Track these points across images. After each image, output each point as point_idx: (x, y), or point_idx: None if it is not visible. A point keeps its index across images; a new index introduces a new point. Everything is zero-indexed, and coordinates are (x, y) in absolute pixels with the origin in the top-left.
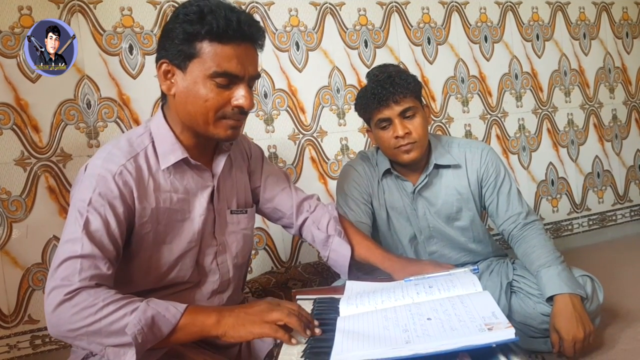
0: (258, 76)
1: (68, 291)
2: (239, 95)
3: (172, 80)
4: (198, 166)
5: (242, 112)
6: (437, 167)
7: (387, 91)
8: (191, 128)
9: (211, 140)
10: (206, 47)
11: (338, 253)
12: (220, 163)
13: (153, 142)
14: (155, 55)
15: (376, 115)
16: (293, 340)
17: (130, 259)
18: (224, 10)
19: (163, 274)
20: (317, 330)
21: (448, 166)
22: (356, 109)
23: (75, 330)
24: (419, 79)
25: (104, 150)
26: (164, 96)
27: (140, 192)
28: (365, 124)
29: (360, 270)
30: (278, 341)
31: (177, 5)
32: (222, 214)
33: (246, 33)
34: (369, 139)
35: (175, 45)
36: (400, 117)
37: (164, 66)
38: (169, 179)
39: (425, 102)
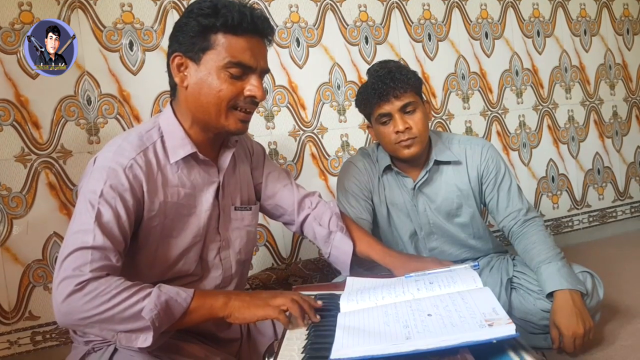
0: (268, 70)
1: (79, 281)
2: (252, 86)
3: (185, 73)
4: (205, 161)
5: (253, 102)
6: (438, 163)
7: (387, 86)
8: (202, 121)
9: (219, 135)
10: (221, 39)
11: (340, 249)
12: (226, 159)
13: (162, 137)
14: (167, 50)
15: (376, 110)
16: (291, 326)
17: (136, 252)
18: (237, 5)
19: (167, 267)
20: (317, 317)
21: (448, 162)
22: (357, 105)
23: (87, 318)
24: (420, 75)
25: (114, 144)
26: (173, 92)
27: (149, 186)
28: (366, 120)
29: (361, 266)
30: (279, 337)
31: (177, 1)
32: (227, 210)
33: (259, 27)
34: (369, 136)
35: (189, 37)
36: (400, 112)
37: (177, 59)
38: (176, 173)
39: (425, 98)
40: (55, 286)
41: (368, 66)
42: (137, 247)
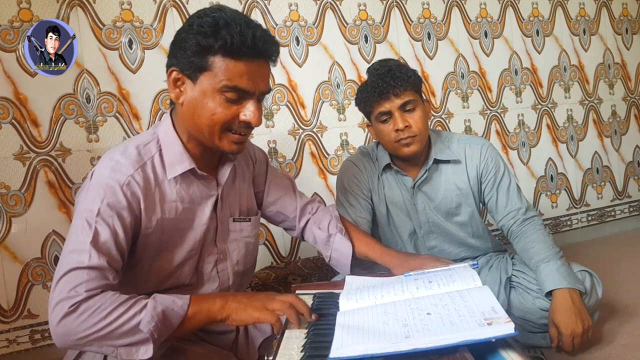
0: (268, 91)
1: (73, 302)
2: (248, 111)
3: (182, 89)
4: (204, 176)
5: (247, 127)
6: (437, 162)
7: (387, 84)
8: (197, 138)
9: (217, 150)
10: (218, 62)
11: (340, 252)
12: (225, 173)
13: (160, 151)
14: (165, 61)
15: (377, 108)
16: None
17: (132, 266)
18: (239, 26)
19: (162, 280)
20: (312, 317)
21: (448, 161)
22: (357, 103)
23: (84, 337)
24: (419, 74)
25: (112, 158)
26: (173, 102)
27: (147, 203)
28: (366, 119)
29: (359, 266)
30: (278, 336)
31: None
32: (225, 222)
33: (260, 50)
34: (368, 134)
35: (187, 55)
36: (400, 110)
37: (174, 74)
38: (175, 188)
39: (425, 97)
40: (50, 308)
41: (368, 65)
42: (132, 262)
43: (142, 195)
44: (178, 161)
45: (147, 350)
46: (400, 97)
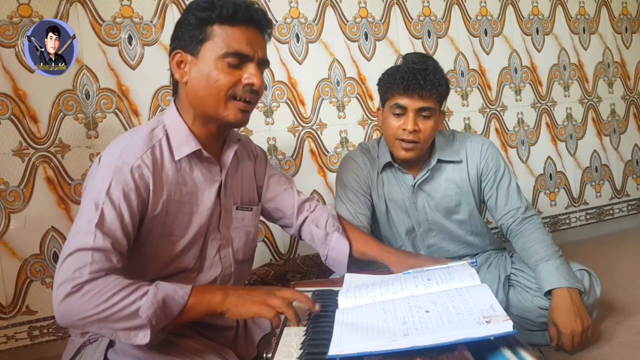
0: (267, 62)
1: (77, 283)
2: (249, 74)
3: (185, 69)
4: (208, 159)
5: (252, 92)
6: (439, 161)
7: (417, 82)
8: (203, 115)
9: (221, 128)
10: (217, 30)
11: (337, 250)
12: (229, 156)
13: (167, 134)
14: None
15: (396, 98)
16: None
17: (136, 249)
18: None
19: (167, 263)
20: (317, 307)
21: (449, 161)
22: (379, 83)
23: (85, 318)
24: (450, 84)
25: (120, 143)
26: (175, 90)
27: (155, 185)
28: (380, 102)
29: (356, 265)
30: (277, 332)
31: None
32: (228, 209)
33: (254, 17)
34: (368, 132)
35: (188, 31)
36: (416, 112)
37: (177, 56)
38: (179, 171)
39: (443, 109)
40: (55, 287)
41: (367, 62)
42: (137, 244)
43: (151, 177)
44: (184, 142)
45: (145, 335)
46: (423, 100)
